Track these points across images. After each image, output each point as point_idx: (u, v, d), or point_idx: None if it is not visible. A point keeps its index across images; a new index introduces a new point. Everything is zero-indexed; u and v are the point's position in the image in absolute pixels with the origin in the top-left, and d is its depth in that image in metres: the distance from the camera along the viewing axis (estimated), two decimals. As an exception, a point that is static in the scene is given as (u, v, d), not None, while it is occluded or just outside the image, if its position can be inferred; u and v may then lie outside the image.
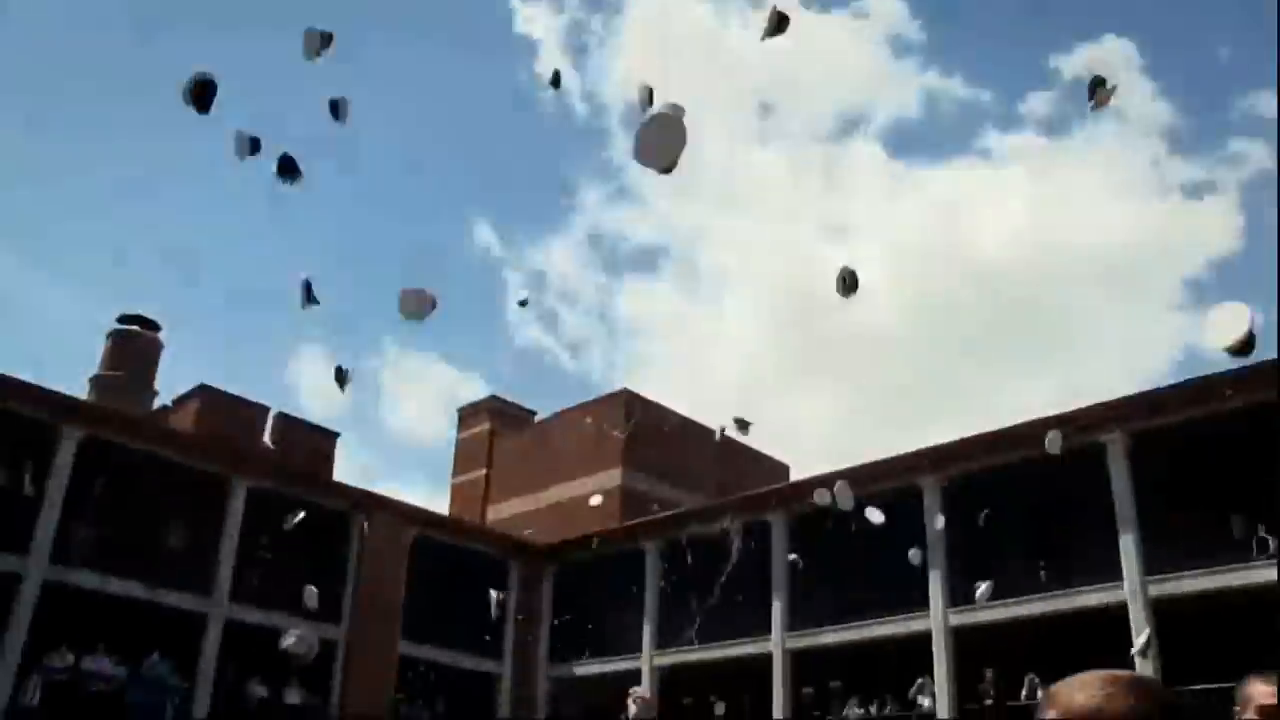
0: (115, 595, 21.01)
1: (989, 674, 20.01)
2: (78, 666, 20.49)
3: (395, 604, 25.11)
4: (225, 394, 28.83)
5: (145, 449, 22.13)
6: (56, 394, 21.63)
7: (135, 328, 31.55)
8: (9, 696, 19.37)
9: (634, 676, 25.38)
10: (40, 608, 19.91)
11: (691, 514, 27.00)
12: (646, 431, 32.23)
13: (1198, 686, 17.48)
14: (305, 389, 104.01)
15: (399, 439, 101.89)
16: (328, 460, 30.52)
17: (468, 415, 38.57)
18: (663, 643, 25.55)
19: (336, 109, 9.62)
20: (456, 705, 25.59)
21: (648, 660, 25.54)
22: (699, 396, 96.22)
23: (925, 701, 20.86)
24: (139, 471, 21.83)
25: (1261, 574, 17.10)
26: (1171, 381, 20.55)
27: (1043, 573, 20.45)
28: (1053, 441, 15.51)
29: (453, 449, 38.66)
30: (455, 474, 37.88)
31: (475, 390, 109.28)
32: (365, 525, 25.35)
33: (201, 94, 8.88)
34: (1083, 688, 1.85)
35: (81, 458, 21.03)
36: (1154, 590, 18.54)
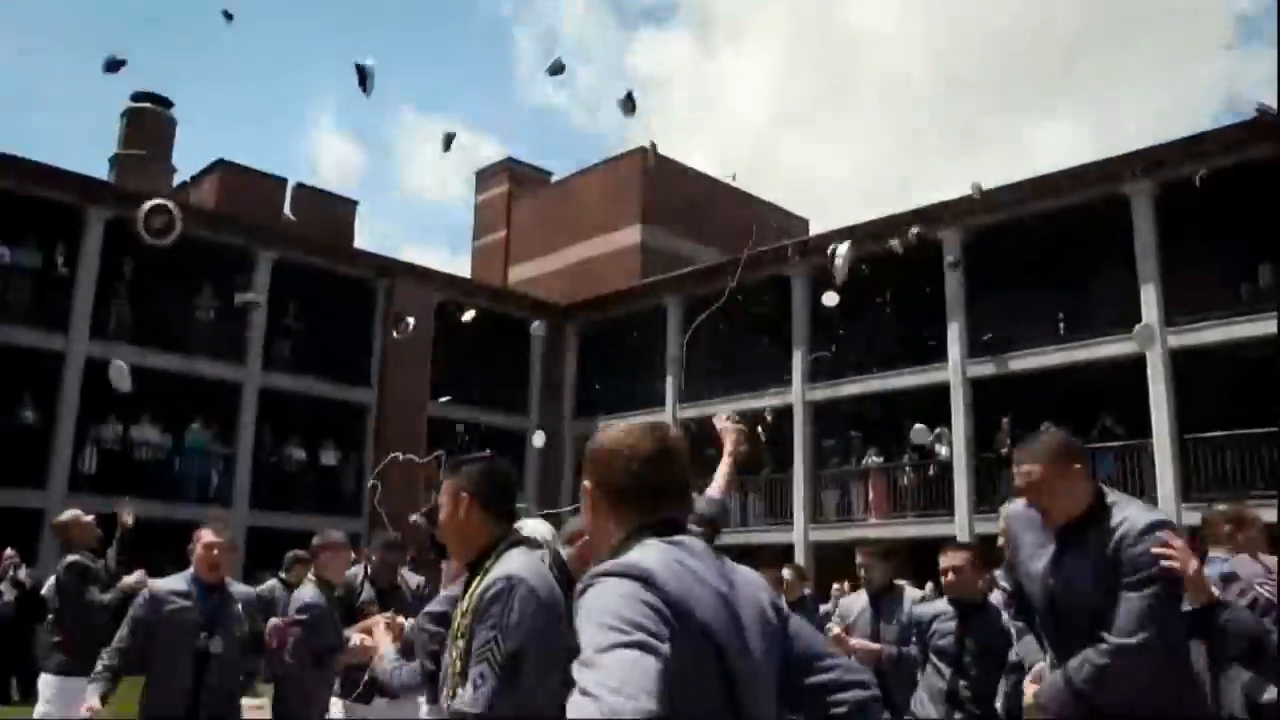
0: (154, 368, 21.53)
1: (1005, 423, 20.58)
2: (126, 436, 21.36)
3: (422, 367, 25.72)
4: (243, 168, 28.73)
5: (170, 226, 22.21)
6: (81, 176, 21.64)
7: (148, 105, 31.21)
8: (69, 465, 20.30)
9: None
10: (86, 383, 20.48)
11: (712, 268, 27.20)
12: (665, 187, 32.17)
13: (1214, 434, 18.14)
14: (323, 161, 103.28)
15: (417, 205, 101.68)
16: (348, 229, 30.69)
17: (485, 178, 38.24)
18: (685, 397, 26.20)
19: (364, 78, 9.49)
20: (487, 461, 26.50)
21: (671, 414, 26.22)
22: (717, 153, 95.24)
23: (943, 451, 21.52)
24: (165, 250, 21.97)
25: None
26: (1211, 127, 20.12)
27: (1061, 324, 20.77)
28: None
29: (472, 213, 38.72)
30: (475, 237, 37.97)
31: (493, 153, 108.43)
32: (390, 290, 25.66)
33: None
34: (610, 429, 2.35)
35: (110, 238, 21.14)
36: (1173, 341, 18.81)
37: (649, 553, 2.07)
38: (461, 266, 37.85)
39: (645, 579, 1.96)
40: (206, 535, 5.30)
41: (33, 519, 19.07)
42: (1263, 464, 17.41)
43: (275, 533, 19.63)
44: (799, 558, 21.72)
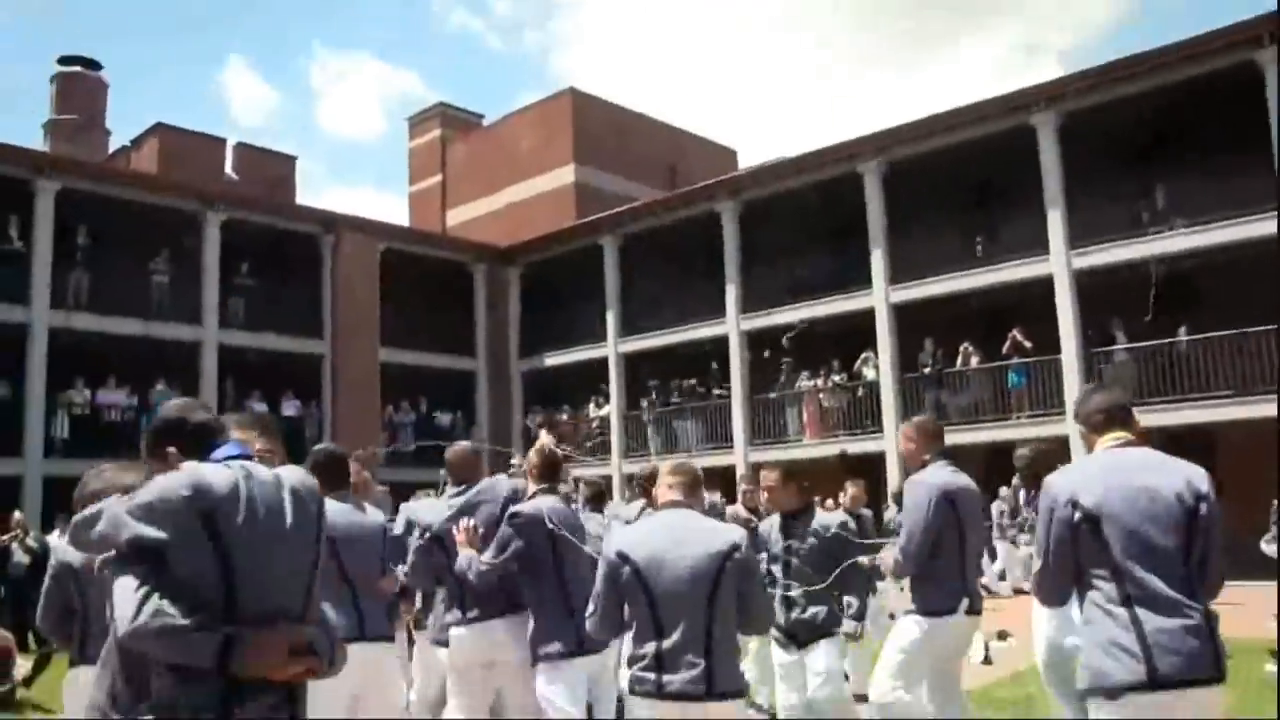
0: (115, 334, 22.32)
1: (927, 345, 21.99)
2: (93, 401, 22.14)
3: (372, 315, 26.61)
4: (182, 130, 29.14)
5: (119, 195, 22.76)
6: (27, 150, 22.16)
7: (78, 68, 31.30)
8: (42, 431, 21.10)
9: (601, 364, 27.47)
10: (51, 352, 21.25)
11: (645, 206, 28.25)
12: (595, 125, 33.03)
13: (1117, 347, 19.70)
14: (237, 102, 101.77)
15: (339, 144, 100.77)
16: (290, 184, 31.30)
17: (417, 124, 38.69)
18: (626, 331, 27.38)
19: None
20: (438, 403, 27.54)
21: (612, 348, 27.41)
22: (641, 80, 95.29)
23: (869, 373, 22.90)
24: (116, 217, 22.66)
25: (1179, 242, 18.71)
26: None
27: (979, 248, 22.08)
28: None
29: (406, 159, 39.10)
30: (411, 182, 38.51)
31: (412, 87, 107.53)
32: (335, 243, 26.43)
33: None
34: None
35: (61, 209, 21.72)
36: (1077, 263, 20.24)
37: None
38: (392, 205, 38.45)
39: None
40: None
41: (11, 486, 19.97)
42: (1162, 373, 18.92)
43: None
44: (738, 479, 23.07)
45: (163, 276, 23.62)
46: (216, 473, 2.62)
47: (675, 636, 4.04)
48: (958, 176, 21.94)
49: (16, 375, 21.23)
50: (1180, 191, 19.27)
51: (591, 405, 27.62)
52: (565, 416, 26.95)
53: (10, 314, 21.16)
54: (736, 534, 4.27)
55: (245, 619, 2.53)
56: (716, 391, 25.43)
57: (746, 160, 35.54)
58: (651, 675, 4.05)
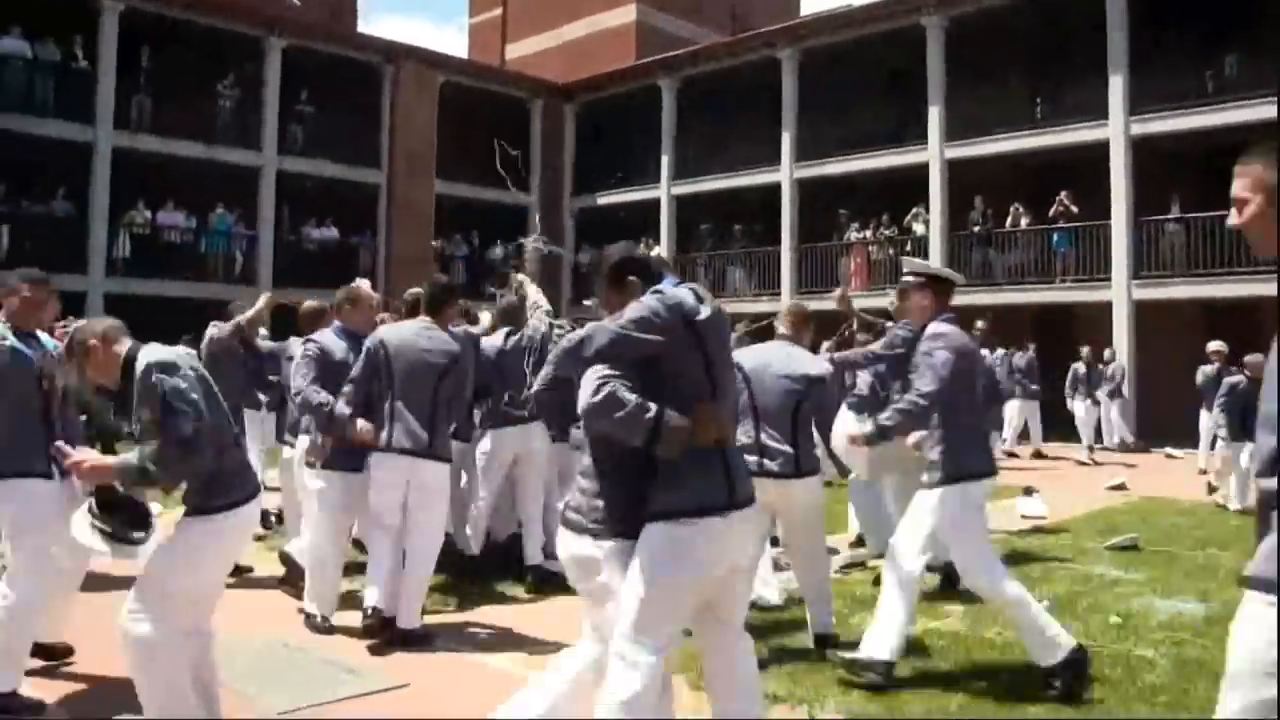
0: (177, 156, 22.69)
1: (978, 203, 21.91)
2: (154, 222, 22.69)
3: (428, 147, 26.82)
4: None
5: (182, 16, 22.86)
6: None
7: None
8: (105, 250, 21.71)
9: (654, 205, 27.62)
10: (115, 172, 21.71)
11: (704, 49, 27.97)
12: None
13: (1168, 217, 19.57)
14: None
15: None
16: (349, 11, 31.17)
17: (480, -47, 38.03)
18: (679, 174, 27.45)
19: None
20: (490, 236, 27.82)
21: (665, 190, 27.54)
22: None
23: (919, 228, 22.91)
24: (179, 39, 22.85)
25: (1243, 114, 17.98)
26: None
27: (1038, 109, 21.80)
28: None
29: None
30: (471, 15, 38.14)
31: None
32: (395, 74, 26.48)
33: None
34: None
35: (125, 29, 21.91)
36: (1135, 129, 19.92)
37: None
38: (448, 39, 38.05)
39: None
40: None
41: (75, 302, 20.66)
42: (1210, 247, 18.81)
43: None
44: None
45: (225, 101, 23.86)
46: (685, 293, 3.34)
47: (770, 431, 5.51)
48: (1021, 35, 21.52)
49: (80, 194, 21.74)
50: (1252, 64, 18.70)
51: (641, 246, 27.66)
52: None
53: (77, 133, 21.55)
54: (822, 366, 5.84)
55: (726, 403, 3.43)
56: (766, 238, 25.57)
57: (810, 7, 34.90)
58: (754, 458, 5.30)
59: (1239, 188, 2.48)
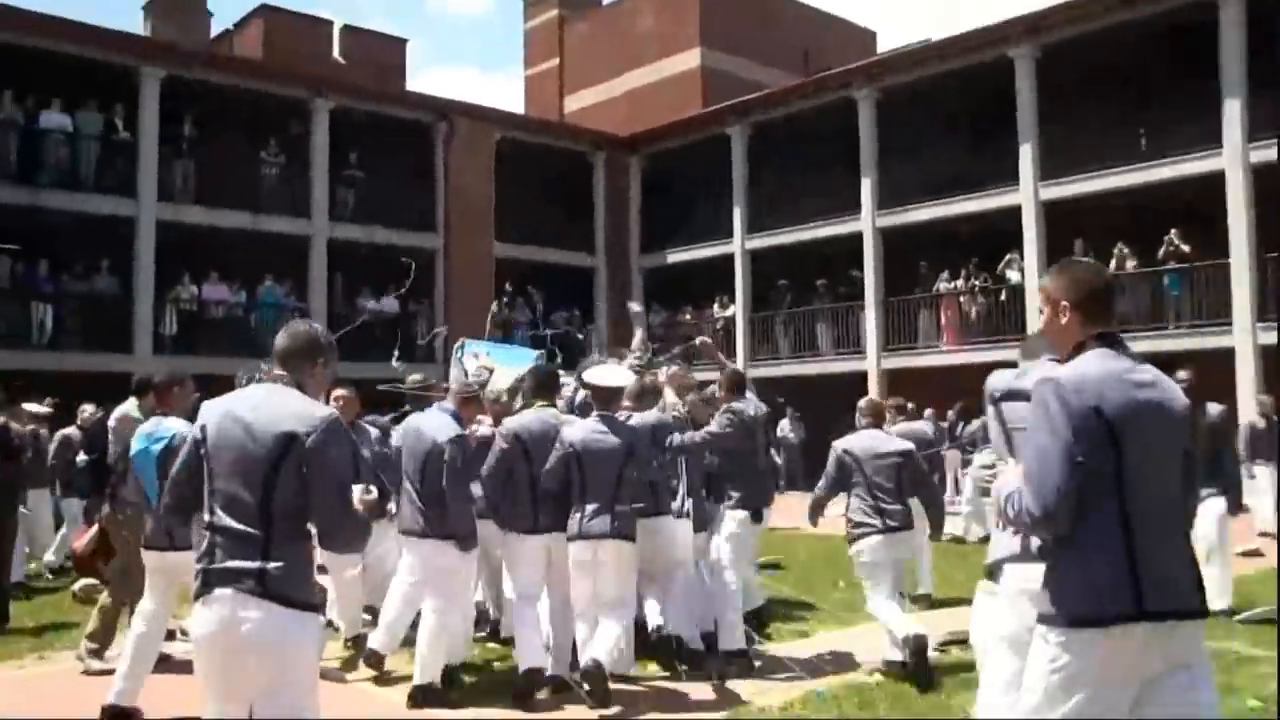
0: (222, 227, 21.75)
1: (1078, 245, 20.14)
2: (200, 296, 21.67)
3: (486, 208, 25.68)
4: (287, 11, 28.17)
5: (225, 81, 22.01)
6: (132, 35, 21.49)
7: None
8: (151, 328, 20.72)
9: (727, 261, 26.11)
10: (159, 245, 20.82)
11: (776, 93, 26.55)
12: (723, 6, 31.20)
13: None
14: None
15: (444, 22, 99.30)
16: (399, 70, 30.22)
17: (534, 3, 36.93)
18: (753, 227, 25.97)
19: None
20: (556, 300, 26.48)
21: (739, 245, 26.06)
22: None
23: (1014, 275, 21.19)
24: (223, 105, 21.96)
25: None
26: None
27: (1142, 141, 20.10)
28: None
29: (517, 39, 37.74)
30: (527, 66, 37.16)
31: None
32: (448, 132, 25.41)
33: None
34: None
35: (166, 96, 21.11)
36: (1255, 157, 18.17)
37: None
38: (500, 88, 37.16)
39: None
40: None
41: (121, 383, 19.55)
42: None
43: (350, 381, 19.98)
44: (872, 387, 21.77)
45: (270, 168, 22.92)
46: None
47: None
48: (1119, 62, 19.82)
49: (125, 269, 20.83)
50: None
51: (715, 305, 26.38)
52: (688, 317, 25.83)
53: (119, 207, 20.71)
54: (905, 445, 7.23)
55: None
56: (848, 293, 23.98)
57: (886, 44, 33.44)
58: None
59: (1039, 302, 3.09)
